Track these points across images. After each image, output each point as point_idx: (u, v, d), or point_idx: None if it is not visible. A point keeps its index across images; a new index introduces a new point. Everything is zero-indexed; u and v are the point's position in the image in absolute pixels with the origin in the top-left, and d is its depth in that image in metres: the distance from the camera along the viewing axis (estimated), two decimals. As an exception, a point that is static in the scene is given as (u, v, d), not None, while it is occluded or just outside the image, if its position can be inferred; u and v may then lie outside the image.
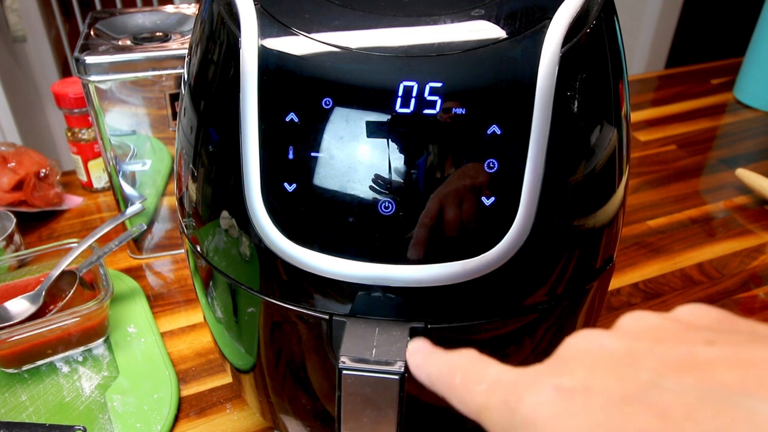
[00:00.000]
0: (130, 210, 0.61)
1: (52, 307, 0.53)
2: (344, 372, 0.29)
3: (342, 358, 0.29)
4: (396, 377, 0.29)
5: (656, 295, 0.61)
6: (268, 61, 0.29)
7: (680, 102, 1.00)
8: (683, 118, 0.95)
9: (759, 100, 0.97)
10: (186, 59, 0.35)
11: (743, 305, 0.60)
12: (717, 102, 1.00)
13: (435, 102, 0.28)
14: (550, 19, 0.29)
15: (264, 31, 0.30)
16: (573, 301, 0.34)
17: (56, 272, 0.54)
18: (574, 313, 0.35)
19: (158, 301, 0.60)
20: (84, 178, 0.76)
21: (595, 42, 0.30)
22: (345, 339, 0.30)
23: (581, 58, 0.29)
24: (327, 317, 0.32)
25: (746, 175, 0.76)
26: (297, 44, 0.29)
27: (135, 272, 0.64)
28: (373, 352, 0.30)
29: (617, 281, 0.63)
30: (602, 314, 0.59)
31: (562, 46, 0.28)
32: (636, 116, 0.96)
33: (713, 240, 0.69)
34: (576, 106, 0.29)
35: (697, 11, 2.02)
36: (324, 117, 0.29)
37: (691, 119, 0.95)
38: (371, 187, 0.28)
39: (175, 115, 0.59)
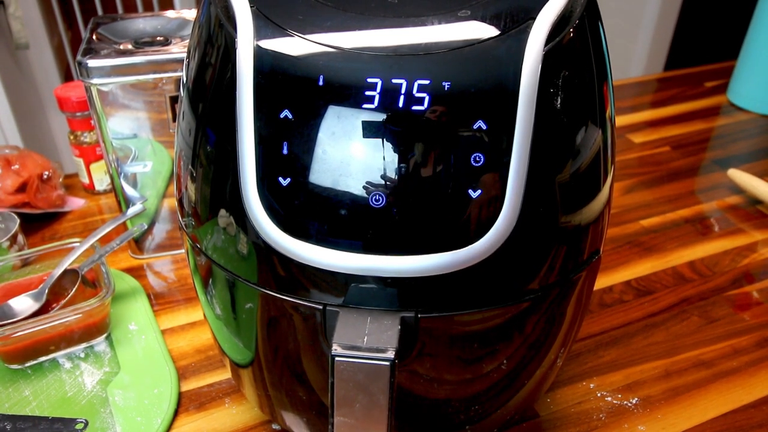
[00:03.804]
0: (131, 210, 0.62)
1: (54, 304, 0.54)
2: (337, 359, 0.30)
3: (334, 346, 0.30)
4: (387, 363, 0.30)
5: (648, 293, 0.62)
6: (264, 60, 0.30)
7: (675, 104, 1.02)
8: (678, 120, 0.97)
9: (752, 103, 0.98)
10: (185, 62, 0.36)
11: (735, 302, 0.61)
12: (711, 104, 1.02)
13: (423, 99, 0.29)
14: (534, 19, 0.30)
15: (259, 32, 0.31)
16: (561, 292, 0.35)
17: (59, 271, 0.55)
18: (562, 303, 0.37)
19: (159, 300, 0.61)
20: (86, 181, 0.77)
21: (577, 42, 0.31)
22: (338, 327, 0.31)
23: (564, 56, 0.31)
24: (321, 307, 0.33)
25: (738, 176, 0.77)
26: (291, 44, 0.30)
27: (136, 272, 0.65)
28: (365, 339, 0.31)
29: (610, 279, 0.64)
30: (595, 311, 0.60)
31: (545, 45, 0.30)
32: (632, 118, 0.98)
33: (705, 239, 0.70)
34: (559, 103, 0.30)
35: (695, 15, 2.03)
36: (317, 114, 0.30)
37: (686, 121, 0.96)
38: (362, 181, 0.30)
39: (175, 118, 0.60)
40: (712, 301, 0.61)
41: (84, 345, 0.54)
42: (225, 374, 0.53)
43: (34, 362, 0.53)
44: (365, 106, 0.29)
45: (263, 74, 0.30)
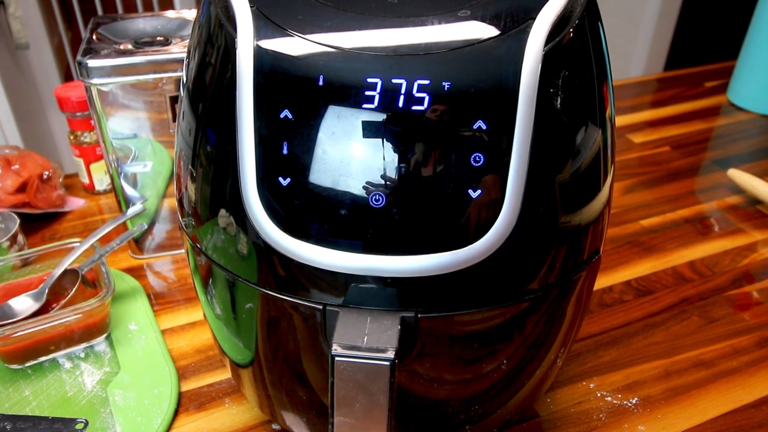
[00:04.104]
0: (131, 210, 0.62)
1: (54, 304, 0.54)
2: (337, 359, 0.30)
3: (334, 346, 0.30)
4: (387, 363, 0.30)
5: (648, 293, 0.62)
6: (264, 60, 0.30)
7: (675, 104, 1.02)
8: (677, 120, 0.97)
9: (752, 103, 0.98)
10: (185, 62, 0.36)
11: (735, 302, 0.61)
12: (711, 104, 1.02)
13: (423, 99, 0.29)
14: (534, 19, 0.30)
15: (259, 32, 0.31)
16: (561, 292, 0.35)
17: (59, 271, 0.55)
18: (562, 303, 0.36)
19: (159, 300, 0.62)
20: (86, 181, 0.77)
21: (577, 42, 0.31)
22: (338, 327, 0.31)
23: (564, 57, 0.31)
24: (321, 307, 0.33)
25: (738, 176, 0.77)
26: (291, 44, 0.30)
27: (136, 272, 0.65)
28: (365, 339, 0.31)
29: (610, 279, 0.64)
30: (595, 311, 0.60)
31: (545, 45, 0.30)
32: (632, 118, 0.98)
33: (705, 239, 0.70)
34: (559, 103, 0.30)
35: (695, 15, 2.03)
36: (317, 114, 0.30)
37: (686, 121, 0.96)
38: (362, 181, 0.30)
39: (175, 118, 0.60)
40: (712, 301, 0.61)
41: (84, 345, 0.54)
42: (225, 374, 0.53)
43: (34, 362, 0.53)
44: (365, 106, 0.29)
45: (263, 74, 0.30)
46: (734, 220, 0.73)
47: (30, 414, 0.48)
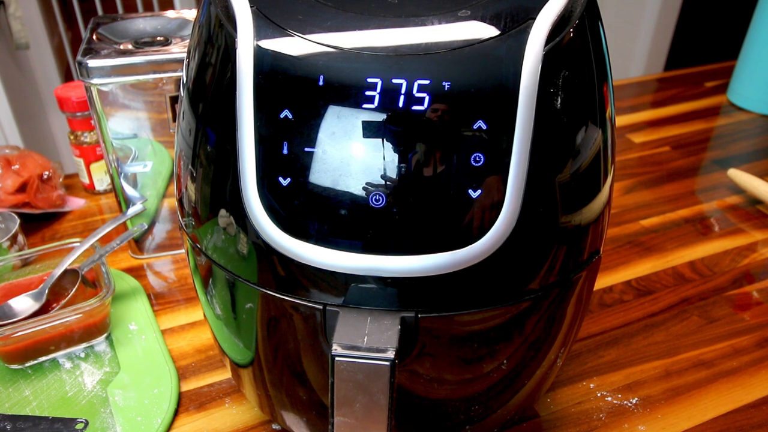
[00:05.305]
0: (131, 210, 0.62)
1: (54, 304, 0.54)
2: (337, 359, 0.30)
3: (334, 346, 0.30)
4: (387, 363, 0.30)
5: (648, 293, 0.62)
6: (264, 60, 0.30)
7: (675, 104, 1.02)
8: (678, 120, 0.97)
9: (752, 103, 0.99)
10: (185, 62, 0.36)
11: (735, 302, 0.61)
12: (711, 104, 1.02)
13: (423, 99, 0.29)
14: (534, 19, 0.30)
15: (260, 32, 0.31)
16: (561, 292, 0.35)
17: (59, 271, 0.55)
18: (562, 303, 0.36)
19: (159, 300, 0.62)
20: (86, 181, 0.77)
21: (577, 42, 0.31)
22: (338, 327, 0.31)
23: (564, 57, 0.31)
24: (321, 307, 0.33)
25: (738, 176, 0.77)
26: (291, 44, 0.30)
27: (136, 272, 0.65)
28: (365, 339, 0.31)
29: (610, 279, 0.64)
30: (595, 311, 0.60)
31: (545, 45, 0.30)
32: (632, 118, 0.98)
33: (705, 239, 0.70)
34: (559, 103, 0.30)
35: (695, 15, 2.03)
36: (317, 114, 0.30)
37: (686, 121, 0.96)
38: (362, 181, 0.30)
39: (175, 118, 0.60)
40: (712, 301, 0.61)
41: (84, 345, 0.54)
42: (225, 374, 0.53)
43: (34, 362, 0.53)
44: (365, 106, 0.29)
45: (263, 74, 0.30)
46: (734, 220, 0.73)
47: (30, 414, 0.48)
